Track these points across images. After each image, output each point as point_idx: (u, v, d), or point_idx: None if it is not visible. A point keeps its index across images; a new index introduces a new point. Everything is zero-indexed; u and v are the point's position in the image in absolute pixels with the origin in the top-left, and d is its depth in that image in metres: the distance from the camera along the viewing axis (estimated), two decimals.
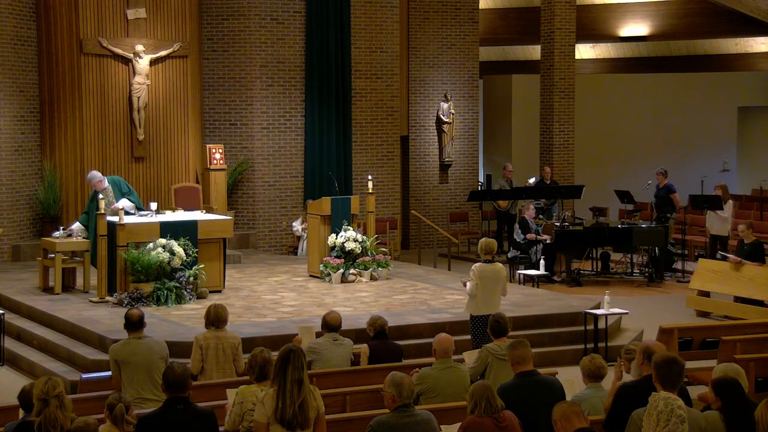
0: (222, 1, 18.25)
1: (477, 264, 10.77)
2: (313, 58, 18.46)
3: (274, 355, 6.64)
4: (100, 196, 13.50)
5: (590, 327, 11.94)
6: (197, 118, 18.24)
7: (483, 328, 10.23)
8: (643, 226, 17.00)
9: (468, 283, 10.71)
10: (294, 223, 17.85)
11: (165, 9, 17.42)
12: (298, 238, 17.59)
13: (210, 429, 6.55)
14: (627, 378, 7.51)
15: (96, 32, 16.81)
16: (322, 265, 14.82)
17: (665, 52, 26.77)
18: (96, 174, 14.10)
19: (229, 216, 15.74)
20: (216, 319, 9.14)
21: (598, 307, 12.45)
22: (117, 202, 13.82)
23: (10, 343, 12.13)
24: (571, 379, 8.09)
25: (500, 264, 10.88)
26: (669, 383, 6.17)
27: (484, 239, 10.95)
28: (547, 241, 16.71)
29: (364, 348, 9.43)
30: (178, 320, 11.97)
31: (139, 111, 17.05)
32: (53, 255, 13.66)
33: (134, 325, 8.73)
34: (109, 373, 8.87)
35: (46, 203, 16.78)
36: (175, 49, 17.43)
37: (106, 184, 14.00)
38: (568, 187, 20.08)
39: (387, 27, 19.34)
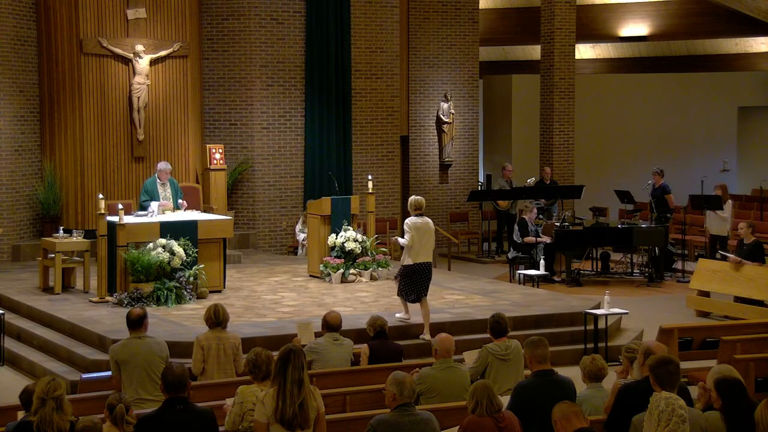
0: (222, 1, 18.26)
1: (409, 218, 11.72)
2: (313, 58, 18.46)
3: (274, 354, 6.64)
4: (159, 182, 14.27)
5: (590, 327, 11.93)
6: (197, 118, 18.24)
7: (415, 275, 11.53)
8: (643, 226, 17.00)
9: (402, 238, 11.67)
10: (297, 228, 17.81)
11: (165, 9, 17.42)
12: (299, 240, 17.59)
13: (209, 429, 6.55)
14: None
15: (96, 32, 16.81)
16: (322, 265, 14.81)
17: (665, 52, 26.77)
18: (169, 165, 14.66)
19: (229, 216, 15.74)
20: (218, 319, 9.14)
21: (598, 307, 12.45)
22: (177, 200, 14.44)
23: (10, 343, 12.13)
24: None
25: (429, 218, 11.88)
26: (668, 384, 6.17)
27: (413, 197, 11.93)
28: (547, 242, 16.71)
29: (364, 348, 9.44)
30: (178, 320, 11.97)
31: (139, 111, 17.04)
32: (53, 255, 13.67)
33: (131, 323, 8.74)
34: (109, 373, 8.88)
35: (46, 203, 16.78)
36: (175, 49, 17.43)
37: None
38: (568, 187, 20.08)
39: (387, 27, 19.34)
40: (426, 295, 11.64)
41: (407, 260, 11.61)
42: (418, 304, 11.67)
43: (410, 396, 6.57)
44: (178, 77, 17.59)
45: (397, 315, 11.90)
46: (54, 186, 16.80)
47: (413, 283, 11.59)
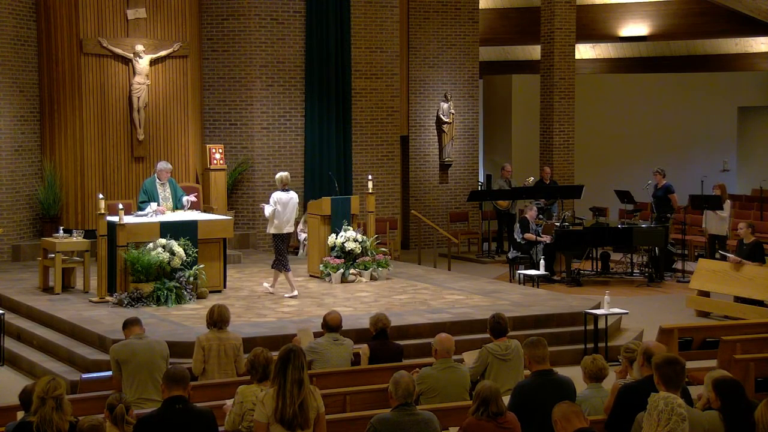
0: (222, 1, 18.26)
1: (275, 192, 13.60)
2: (313, 58, 18.46)
3: (274, 355, 6.64)
4: (158, 182, 14.25)
5: (590, 327, 11.93)
6: (197, 118, 18.24)
7: (282, 243, 13.55)
8: (643, 226, 17.00)
9: (266, 208, 13.50)
10: (298, 228, 17.81)
11: (165, 9, 17.42)
12: (300, 240, 17.58)
13: (209, 429, 6.54)
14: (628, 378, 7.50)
15: (96, 32, 16.81)
16: (322, 265, 14.82)
17: (665, 52, 26.77)
18: (169, 165, 14.69)
19: (229, 216, 15.74)
20: (219, 319, 9.15)
21: (598, 307, 12.45)
22: (181, 199, 14.42)
23: (10, 343, 12.13)
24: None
25: (294, 192, 13.79)
26: (672, 384, 6.16)
27: (280, 173, 13.78)
28: (547, 242, 16.70)
29: (364, 348, 9.44)
30: (178, 320, 11.97)
31: (139, 111, 17.04)
32: (53, 255, 13.67)
33: (124, 323, 8.84)
34: (109, 373, 8.88)
35: (46, 203, 16.79)
36: (175, 49, 17.43)
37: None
38: (568, 187, 20.08)
39: (387, 27, 19.34)
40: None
41: (270, 229, 13.56)
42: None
43: (405, 395, 6.55)
44: (178, 77, 17.59)
45: (265, 284, 13.82)
46: (54, 186, 16.80)
47: (284, 252, 13.52)
